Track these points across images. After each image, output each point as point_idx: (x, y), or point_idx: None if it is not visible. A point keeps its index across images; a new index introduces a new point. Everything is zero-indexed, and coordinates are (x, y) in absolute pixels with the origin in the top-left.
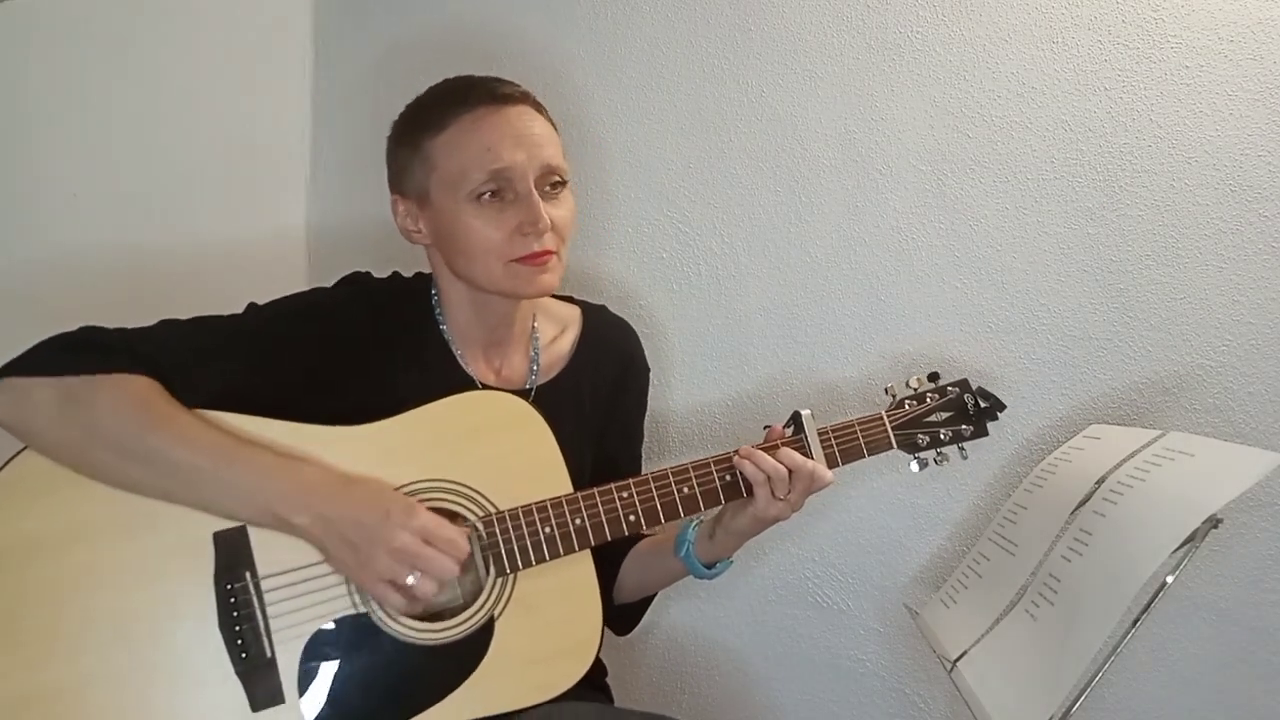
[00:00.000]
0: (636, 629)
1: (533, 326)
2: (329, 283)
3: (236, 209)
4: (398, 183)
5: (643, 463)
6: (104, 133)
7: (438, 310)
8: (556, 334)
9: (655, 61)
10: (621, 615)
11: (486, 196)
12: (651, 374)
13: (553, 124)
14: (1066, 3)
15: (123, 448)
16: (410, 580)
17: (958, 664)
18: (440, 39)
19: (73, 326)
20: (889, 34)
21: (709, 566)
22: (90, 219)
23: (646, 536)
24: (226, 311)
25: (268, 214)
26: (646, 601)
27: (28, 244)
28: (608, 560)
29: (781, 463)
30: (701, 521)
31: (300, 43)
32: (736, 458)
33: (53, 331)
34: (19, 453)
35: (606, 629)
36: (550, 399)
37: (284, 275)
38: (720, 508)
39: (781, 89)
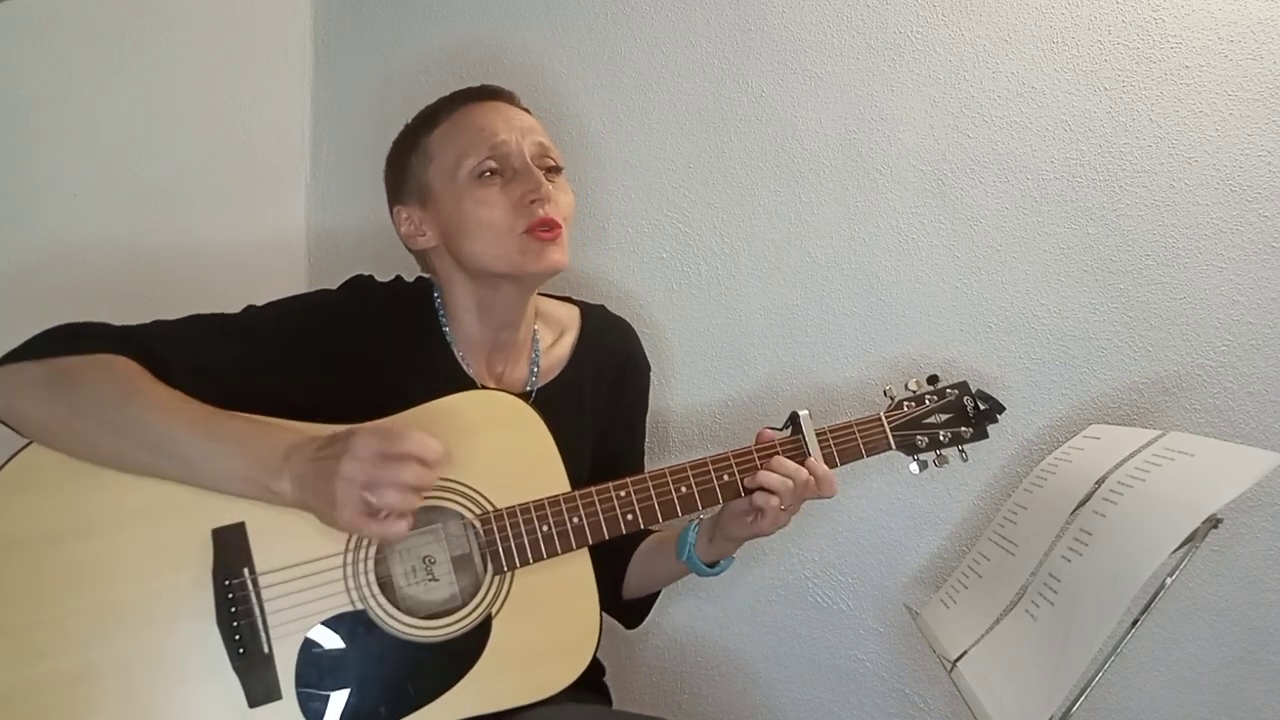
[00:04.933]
0: (644, 623)
1: (534, 332)
2: (329, 284)
3: (236, 210)
4: (398, 193)
5: (645, 461)
6: (104, 133)
7: (441, 314)
8: (556, 338)
9: (655, 61)
10: (630, 610)
11: (487, 174)
12: (652, 372)
13: (541, 124)
14: (1066, 3)
15: (104, 419)
16: (373, 500)
17: (958, 664)
18: (440, 39)
19: None
20: (889, 34)
21: (711, 565)
22: (90, 219)
23: (652, 533)
24: (227, 312)
25: (268, 215)
26: (654, 596)
27: (28, 244)
28: (616, 556)
29: (807, 470)
30: (700, 522)
31: (300, 43)
32: (763, 473)
33: None
34: (21, 449)
35: (618, 623)
36: (549, 400)
37: (284, 276)
38: (719, 509)
39: (781, 89)
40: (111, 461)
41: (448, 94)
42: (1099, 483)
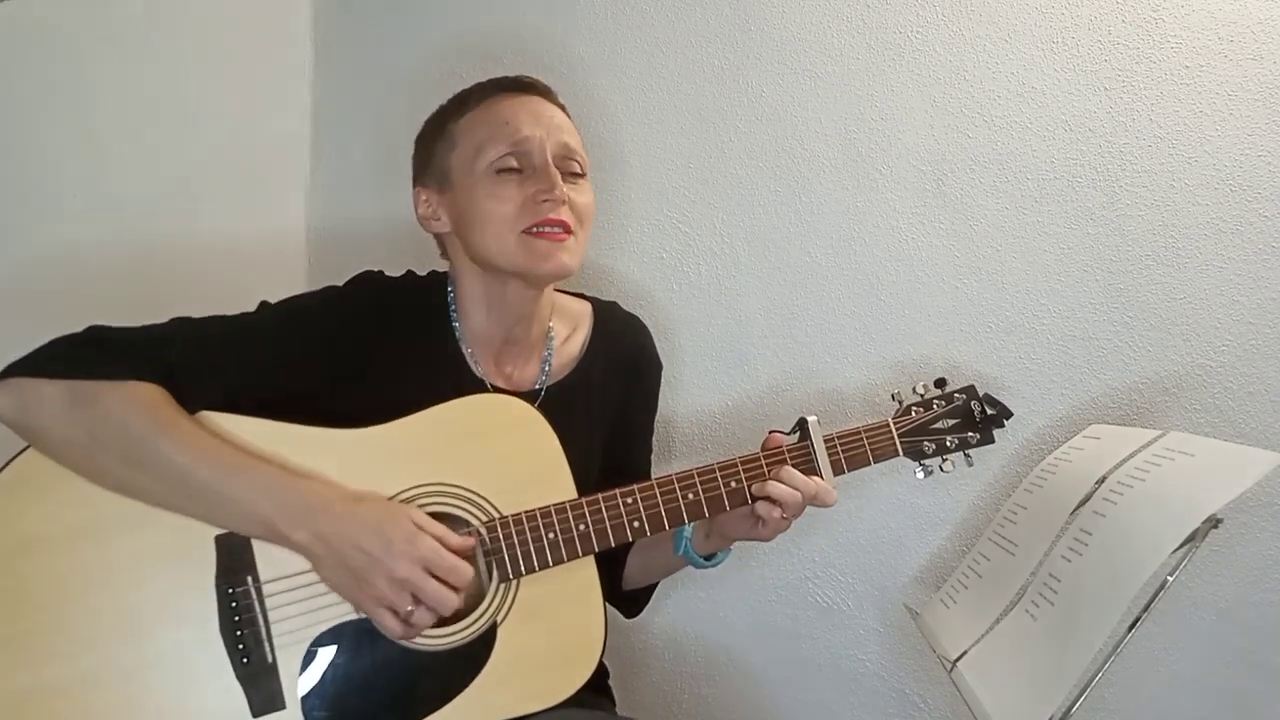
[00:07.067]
0: (643, 612)
1: (549, 328)
2: (329, 282)
3: (236, 209)
4: (421, 173)
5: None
6: (104, 133)
7: (453, 309)
8: (568, 333)
9: (656, 61)
10: (629, 600)
11: (505, 170)
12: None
13: (573, 122)
14: (1066, 3)
15: (126, 454)
16: (409, 609)
17: (958, 664)
18: (440, 39)
19: (77, 327)
20: (889, 34)
21: (707, 558)
22: (90, 219)
23: None
24: (228, 311)
25: (268, 214)
26: (653, 586)
27: (28, 244)
28: (614, 549)
29: (814, 484)
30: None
31: (300, 43)
32: (771, 483)
33: (52, 332)
34: (21, 451)
35: (617, 611)
36: (558, 400)
37: (284, 275)
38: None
39: (781, 89)
40: (127, 492)
41: (483, 81)
42: (1099, 483)
